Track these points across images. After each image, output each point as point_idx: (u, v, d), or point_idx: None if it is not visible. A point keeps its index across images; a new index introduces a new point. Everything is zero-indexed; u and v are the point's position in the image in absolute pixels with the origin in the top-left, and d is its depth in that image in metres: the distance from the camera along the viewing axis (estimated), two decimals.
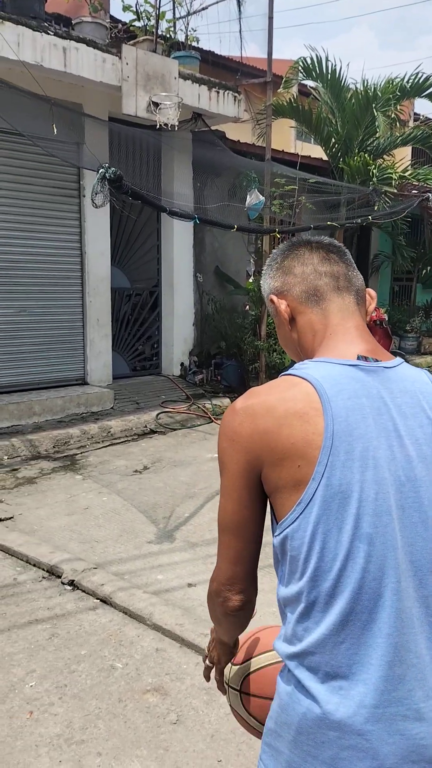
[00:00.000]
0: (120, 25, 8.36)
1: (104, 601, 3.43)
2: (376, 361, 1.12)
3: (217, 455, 1.14)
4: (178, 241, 8.64)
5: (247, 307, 8.92)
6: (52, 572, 3.73)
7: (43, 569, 3.78)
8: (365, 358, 1.11)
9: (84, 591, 3.53)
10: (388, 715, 0.97)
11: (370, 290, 1.26)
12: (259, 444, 1.06)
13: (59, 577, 3.67)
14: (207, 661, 1.43)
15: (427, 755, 0.96)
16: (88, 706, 2.63)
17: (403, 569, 1.02)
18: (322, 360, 1.12)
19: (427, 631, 1.02)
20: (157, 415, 7.30)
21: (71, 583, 3.60)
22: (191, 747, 2.41)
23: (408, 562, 1.03)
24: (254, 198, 8.07)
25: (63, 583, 3.61)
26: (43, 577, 3.71)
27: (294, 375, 1.10)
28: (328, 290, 1.19)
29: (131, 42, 7.52)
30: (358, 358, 1.11)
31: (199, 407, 7.78)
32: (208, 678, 1.45)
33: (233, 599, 1.15)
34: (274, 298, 1.24)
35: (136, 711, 2.60)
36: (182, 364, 8.90)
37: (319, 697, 1.00)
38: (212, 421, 7.44)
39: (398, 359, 1.17)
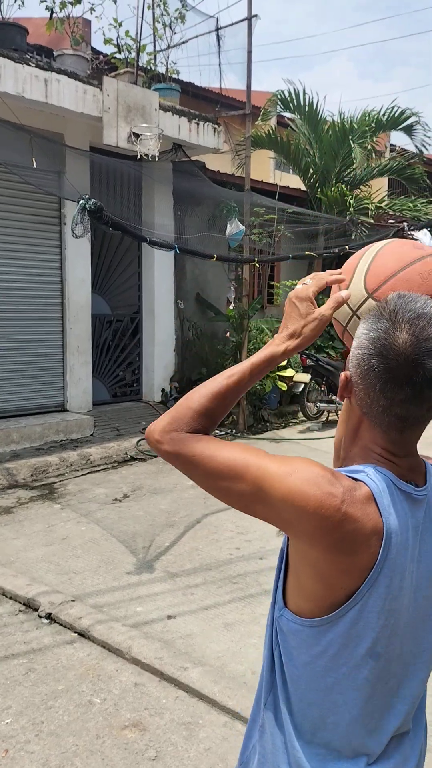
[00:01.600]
0: (101, 57, 8.50)
1: (82, 634, 3.37)
2: (418, 486, 1.07)
3: (201, 487, 1.06)
4: (159, 268, 8.70)
5: (228, 333, 8.97)
6: (29, 605, 3.67)
7: (20, 602, 3.72)
8: (416, 485, 1.06)
9: (61, 624, 3.48)
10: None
11: None
12: (339, 538, 0.96)
13: (36, 610, 3.61)
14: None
15: None
16: (65, 743, 2.57)
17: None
18: (382, 474, 1.03)
19: None
20: (138, 441, 7.27)
21: (48, 616, 3.54)
22: None
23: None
24: (234, 227, 8.19)
25: (40, 617, 3.55)
26: (20, 611, 3.64)
27: (368, 488, 1.00)
28: (389, 428, 1.04)
29: (112, 74, 7.65)
30: (409, 482, 1.05)
31: None
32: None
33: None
34: (345, 375, 1.08)
35: (114, 747, 2.54)
36: (163, 390, 8.90)
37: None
38: None
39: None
